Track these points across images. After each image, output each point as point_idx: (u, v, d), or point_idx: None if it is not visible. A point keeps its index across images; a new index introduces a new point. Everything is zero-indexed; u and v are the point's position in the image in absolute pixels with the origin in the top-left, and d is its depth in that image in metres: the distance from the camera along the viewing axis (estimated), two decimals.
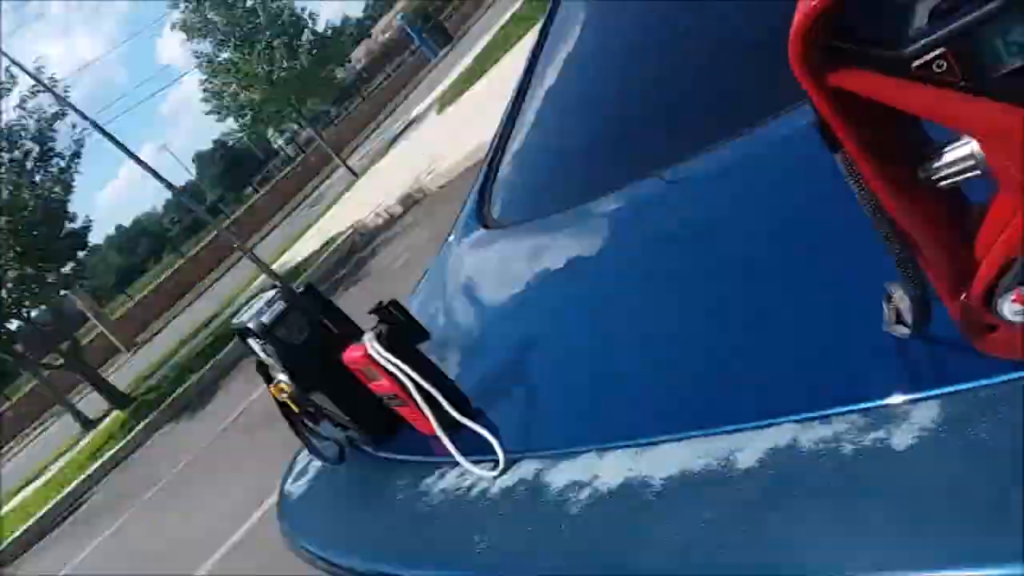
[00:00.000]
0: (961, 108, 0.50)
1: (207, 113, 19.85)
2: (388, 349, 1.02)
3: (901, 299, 0.63)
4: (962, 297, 0.58)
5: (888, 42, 0.50)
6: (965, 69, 0.49)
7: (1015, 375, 0.57)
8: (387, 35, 46.37)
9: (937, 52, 0.49)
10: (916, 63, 0.49)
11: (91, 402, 15.25)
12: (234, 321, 1.22)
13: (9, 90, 13.04)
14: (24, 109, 13.01)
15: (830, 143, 0.55)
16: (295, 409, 1.18)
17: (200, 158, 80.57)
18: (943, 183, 0.55)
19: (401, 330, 1.06)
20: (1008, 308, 0.55)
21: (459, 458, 0.94)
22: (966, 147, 0.53)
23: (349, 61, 27.55)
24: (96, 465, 11.14)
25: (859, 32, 0.51)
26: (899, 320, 0.64)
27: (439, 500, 0.93)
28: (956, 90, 0.49)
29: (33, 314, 13.78)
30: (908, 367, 0.65)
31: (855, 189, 0.56)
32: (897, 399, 0.61)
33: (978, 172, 0.53)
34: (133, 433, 11.20)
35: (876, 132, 0.55)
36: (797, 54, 0.51)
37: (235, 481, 6.02)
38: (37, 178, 13.08)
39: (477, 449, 0.91)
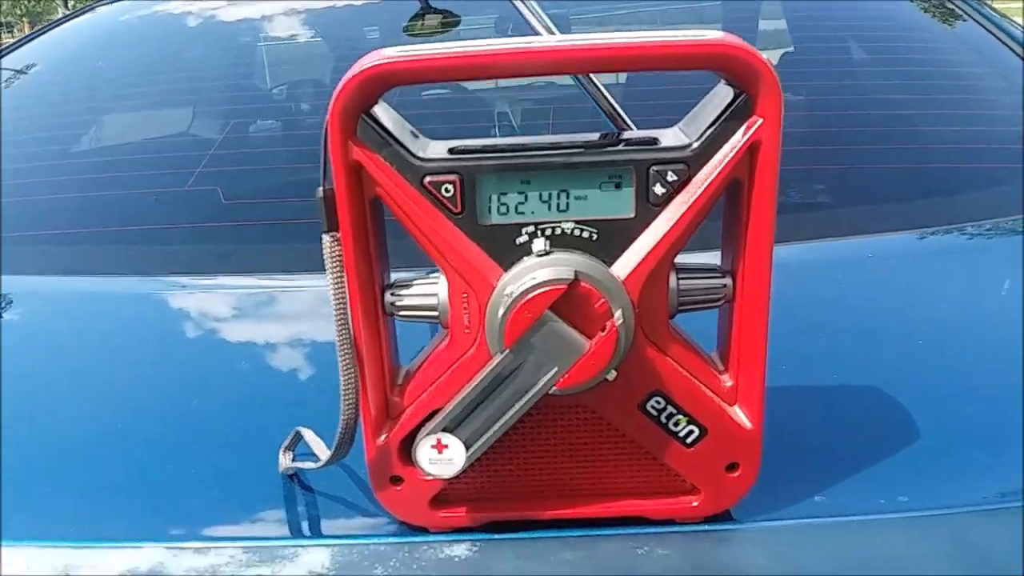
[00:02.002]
0: (449, 240, 0.53)
1: None
2: None
3: (313, 438, 0.64)
4: (381, 438, 0.58)
5: (407, 142, 0.53)
6: (466, 204, 0.52)
7: (395, 539, 0.59)
8: None
9: (449, 176, 0.52)
10: (429, 178, 0.52)
11: None
12: None
13: None
14: None
15: (329, 220, 0.53)
16: None
17: None
18: (403, 315, 0.57)
19: None
20: (425, 453, 0.54)
21: None
22: (433, 286, 0.56)
23: None
24: None
25: (394, 124, 0.53)
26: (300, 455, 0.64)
27: None
28: (452, 221, 0.53)
29: None
30: (313, 507, 0.63)
31: (330, 280, 0.54)
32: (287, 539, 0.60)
33: (436, 317, 0.56)
34: None
35: (374, 230, 0.55)
36: (336, 112, 0.51)
37: None
38: None
39: None
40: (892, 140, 1.10)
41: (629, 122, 0.63)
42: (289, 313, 0.89)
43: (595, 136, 0.54)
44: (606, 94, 0.63)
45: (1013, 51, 1.23)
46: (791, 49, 1.38)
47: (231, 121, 1.35)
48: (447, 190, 0.52)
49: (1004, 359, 0.71)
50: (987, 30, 1.29)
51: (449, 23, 1.41)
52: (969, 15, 1.33)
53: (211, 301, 0.91)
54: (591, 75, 0.65)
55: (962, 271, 0.87)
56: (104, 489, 0.66)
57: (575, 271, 0.51)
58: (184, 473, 0.66)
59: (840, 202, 1.00)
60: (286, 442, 0.65)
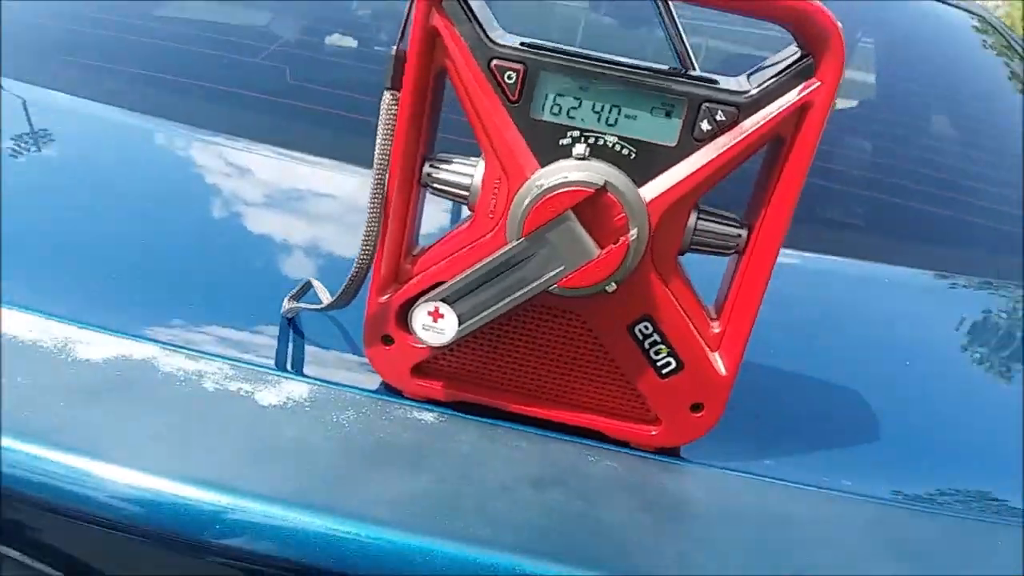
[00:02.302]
0: (499, 124, 0.56)
1: None
2: None
3: (319, 287, 0.68)
4: (384, 297, 0.61)
5: (487, 26, 0.56)
6: (524, 94, 0.55)
7: (370, 393, 0.62)
8: None
9: (515, 64, 0.55)
10: (495, 61, 0.55)
11: None
12: None
13: None
14: None
15: (394, 78, 0.56)
16: None
17: None
18: (435, 187, 0.60)
19: None
20: (420, 318, 0.58)
21: None
22: (471, 168, 0.59)
23: None
24: None
25: (477, 6, 0.56)
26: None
27: None
28: (506, 108, 0.56)
29: None
30: (303, 349, 0.67)
31: (379, 133, 0.57)
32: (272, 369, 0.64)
33: (465, 198, 0.59)
34: None
35: (431, 100, 0.58)
36: None
37: None
38: None
39: None
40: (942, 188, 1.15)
41: (695, 64, 0.66)
42: (331, 194, 0.93)
43: (661, 66, 0.57)
44: (683, 33, 0.66)
45: None
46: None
47: (309, 25, 1.39)
48: (510, 76, 0.55)
49: (992, 396, 0.75)
50: None
51: None
52: None
53: (265, 165, 0.95)
54: (673, 10, 0.67)
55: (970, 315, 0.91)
56: (120, 286, 0.71)
57: (605, 180, 0.54)
58: (196, 294, 0.71)
59: (873, 228, 1.04)
60: (293, 291, 0.68)
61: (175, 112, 1.01)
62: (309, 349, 0.67)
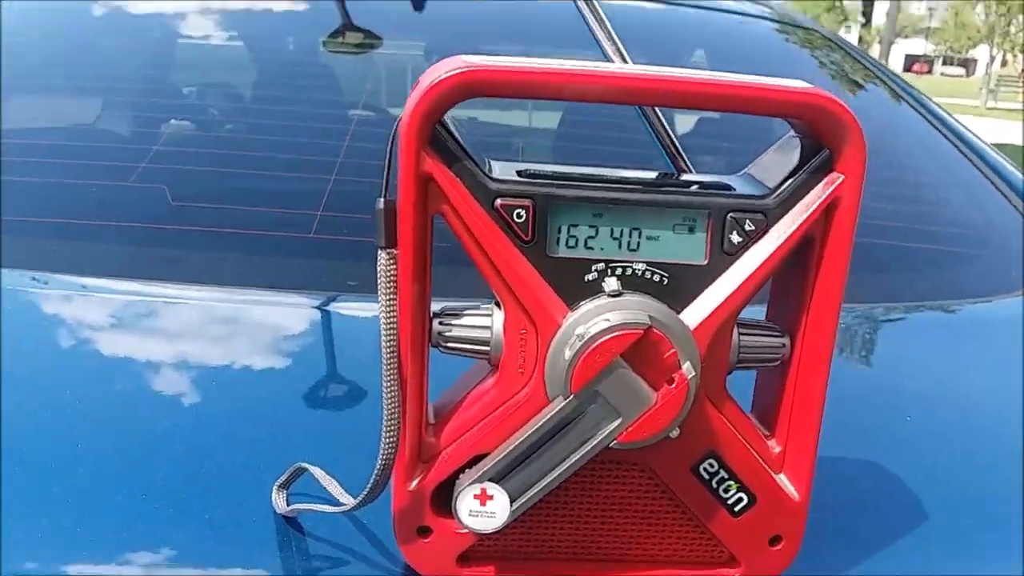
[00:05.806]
0: (517, 270, 0.49)
1: None
2: None
3: (324, 476, 0.58)
4: (414, 483, 0.53)
5: (478, 160, 0.49)
6: (537, 232, 0.49)
7: None
8: None
9: (523, 201, 0.49)
10: (501, 200, 0.49)
11: None
12: None
13: None
14: None
15: (386, 236, 0.49)
16: None
17: None
18: (449, 347, 0.52)
19: None
20: (466, 505, 0.50)
21: None
22: (485, 319, 0.52)
23: None
24: None
25: (462, 138, 0.50)
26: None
27: None
28: (520, 249, 0.49)
29: None
30: (318, 557, 0.57)
31: (382, 302, 0.49)
32: None
33: (486, 352, 0.52)
34: None
35: (429, 251, 0.51)
36: (416, 117, 0.47)
37: None
38: None
39: None
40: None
41: (689, 164, 0.61)
42: (261, 331, 0.82)
43: (667, 174, 0.52)
44: (670, 131, 0.61)
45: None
46: None
47: (141, 115, 1.27)
48: (519, 215, 0.49)
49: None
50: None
51: (369, 43, 1.38)
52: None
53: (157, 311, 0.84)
54: (657, 110, 0.63)
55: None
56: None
57: (649, 316, 0.49)
58: (168, 510, 0.58)
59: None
60: (281, 479, 0.59)
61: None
62: (321, 553, 0.57)
